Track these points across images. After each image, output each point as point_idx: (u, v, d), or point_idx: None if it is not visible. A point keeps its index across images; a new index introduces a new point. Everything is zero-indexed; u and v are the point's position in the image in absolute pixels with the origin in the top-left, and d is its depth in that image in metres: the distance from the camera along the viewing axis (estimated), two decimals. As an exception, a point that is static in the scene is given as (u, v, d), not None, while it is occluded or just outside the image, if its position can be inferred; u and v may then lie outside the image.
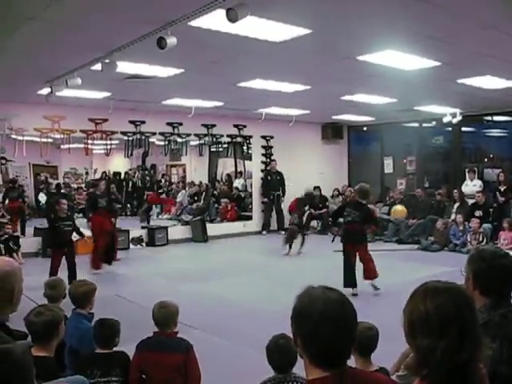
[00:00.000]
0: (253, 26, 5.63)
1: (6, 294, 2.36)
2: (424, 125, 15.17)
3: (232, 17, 4.61)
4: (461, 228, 11.67)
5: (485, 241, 11.01)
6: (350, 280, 7.45)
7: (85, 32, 5.90)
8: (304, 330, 1.64)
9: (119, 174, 18.36)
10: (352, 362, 2.25)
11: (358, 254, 7.66)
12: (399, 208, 12.85)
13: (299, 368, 2.08)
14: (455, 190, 12.90)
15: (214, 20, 5.29)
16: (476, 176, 13.14)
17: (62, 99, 9.76)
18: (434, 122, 14.59)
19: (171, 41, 5.44)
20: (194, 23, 5.46)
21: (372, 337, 3.06)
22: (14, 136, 11.16)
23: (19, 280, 2.47)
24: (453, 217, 12.29)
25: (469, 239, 11.28)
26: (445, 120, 12.84)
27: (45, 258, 10.76)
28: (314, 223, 15.14)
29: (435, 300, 1.63)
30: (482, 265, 2.30)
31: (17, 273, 2.46)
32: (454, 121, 12.74)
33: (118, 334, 3.53)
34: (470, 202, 12.39)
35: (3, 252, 9.42)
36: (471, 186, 12.87)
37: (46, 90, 8.92)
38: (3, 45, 6.42)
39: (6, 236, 9.81)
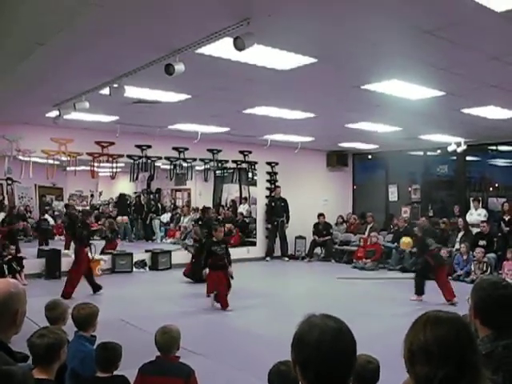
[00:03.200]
0: (259, 55, 5.70)
1: (10, 315, 2.36)
2: (429, 153, 15.21)
3: (239, 45, 4.67)
4: (465, 257, 11.61)
5: (489, 270, 10.97)
6: None
7: (94, 57, 6.00)
8: (301, 356, 1.65)
9: (139, 196, 18.24)
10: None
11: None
12: (406, 240, 12.78)
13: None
14: (460, 219, 12.88)
15: (222, 48, 5.37)
16: (480, 205, 13.12)
17: (70, 122, 9.85)
18: (438, 151, 14.62)
19: (179, 67, 5.51)
20: (202, 50, 5.54)
21: (372, 370, 3.00)
22: (21, 157, 11.24)
23: (23, 302, 2.47)
24: (457, 246, 12.25)
25: (473, 268, 11.23)
26: (449, 149, 12.85)
27: (48, 279, 10.74)
28: (317, 250, 15.12)
29: (435, 329, 1.63)
30: (481, 294, 2.30)
31: (21, 294, 2.46)
32: (459, 150, 12.75)
33: (120, 358, 3.52)
34: (475, 231, 12.37)
35: (6, 273, 9.42)
36: (476, 215, 12.84)
37: (54, 113, 9.00)
38: (13, 68, 6.53)
39: (10, 257, 9.81)
